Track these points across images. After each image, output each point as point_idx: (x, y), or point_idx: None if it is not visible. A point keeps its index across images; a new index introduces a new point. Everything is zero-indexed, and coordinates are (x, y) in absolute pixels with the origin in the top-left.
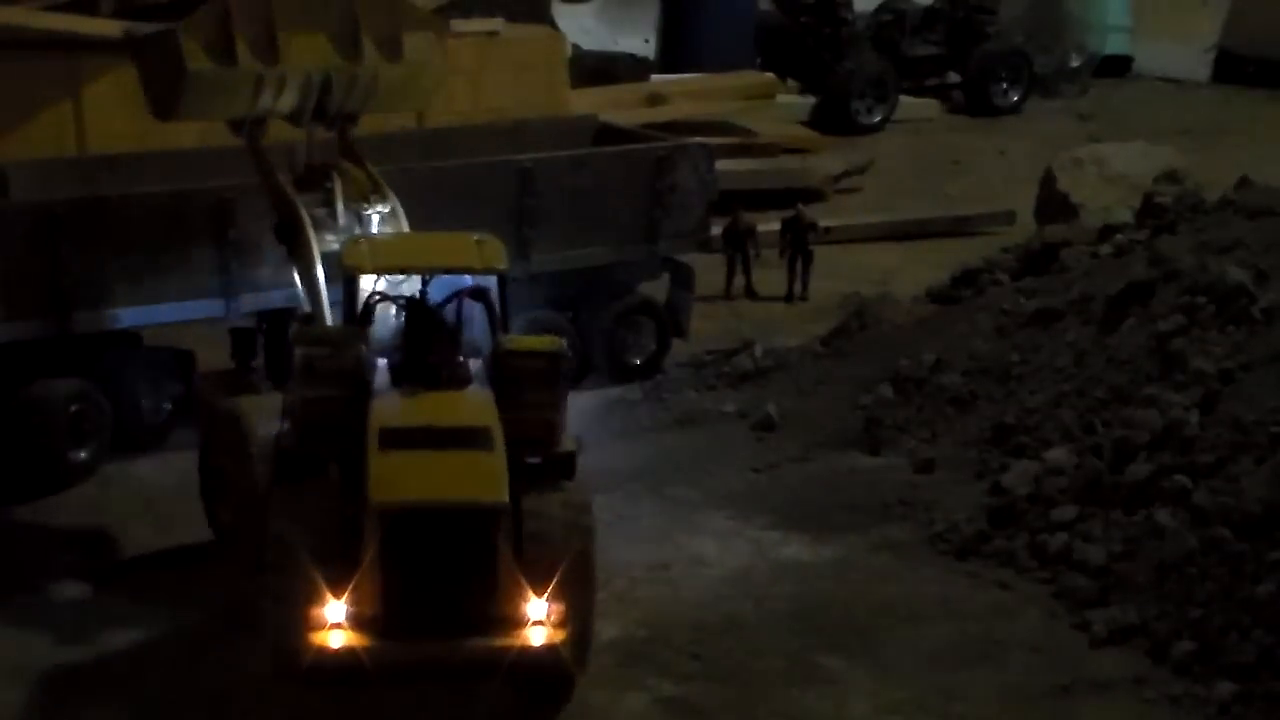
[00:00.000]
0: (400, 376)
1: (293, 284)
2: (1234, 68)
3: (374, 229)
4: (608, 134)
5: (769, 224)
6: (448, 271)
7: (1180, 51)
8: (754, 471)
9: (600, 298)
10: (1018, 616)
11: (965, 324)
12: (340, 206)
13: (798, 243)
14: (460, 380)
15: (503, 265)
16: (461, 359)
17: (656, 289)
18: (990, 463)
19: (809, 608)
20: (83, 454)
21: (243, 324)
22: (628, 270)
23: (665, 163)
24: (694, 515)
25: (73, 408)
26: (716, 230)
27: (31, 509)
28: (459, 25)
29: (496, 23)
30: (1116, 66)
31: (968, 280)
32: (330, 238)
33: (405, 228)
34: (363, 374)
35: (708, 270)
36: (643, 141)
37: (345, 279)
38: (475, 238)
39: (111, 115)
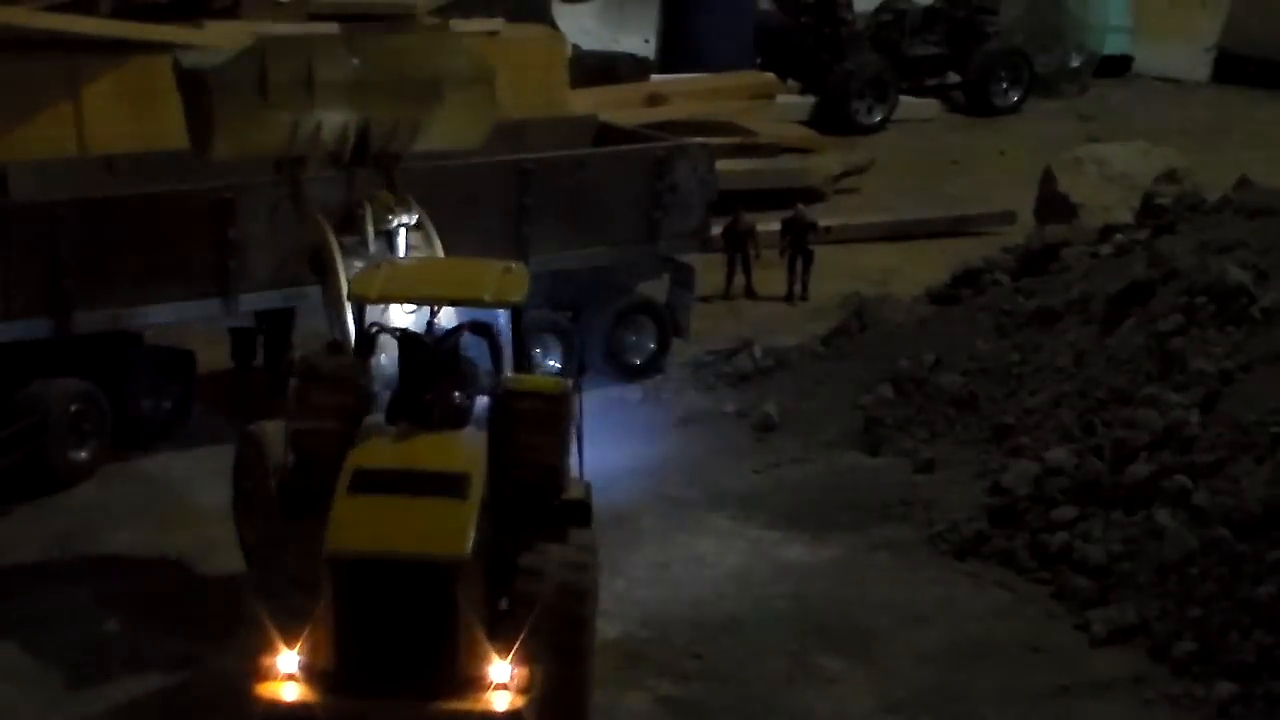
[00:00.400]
0: (394, 413)
1: (293, 283)
2: (1234, 68)
3: (402, 244)
4: (608, 134)
5: (769, 224)
6: (454, 303)
7: (1180, 51)
8: (754, 471)
9: (600, 298)
10: (1018, 616)
11: (965, 324)
12: (371, 232)
13: (798, 243)
14: (455, 420)
15: (517, 298)
16: (462, 396)
17: (656, 289)
18: (990, 463)
19: (809, 608)
20: (83, 454)
21: (243, 324)
22: (628, 270)
23: (665, 163)
24: (694, 515)
25: (73, 408)
26: (716, 230)
27: (32, 509)
28: (459, 25)
29: (496, 23)
30: (1116, 66)
31: (968, 280)
32: (359, 265)
33: (436, 242)
34: (358, 408)
35: (708, 270)
36: (643, 141)
37: (354, 308)
38: (503, 266)
39: (111, 115)
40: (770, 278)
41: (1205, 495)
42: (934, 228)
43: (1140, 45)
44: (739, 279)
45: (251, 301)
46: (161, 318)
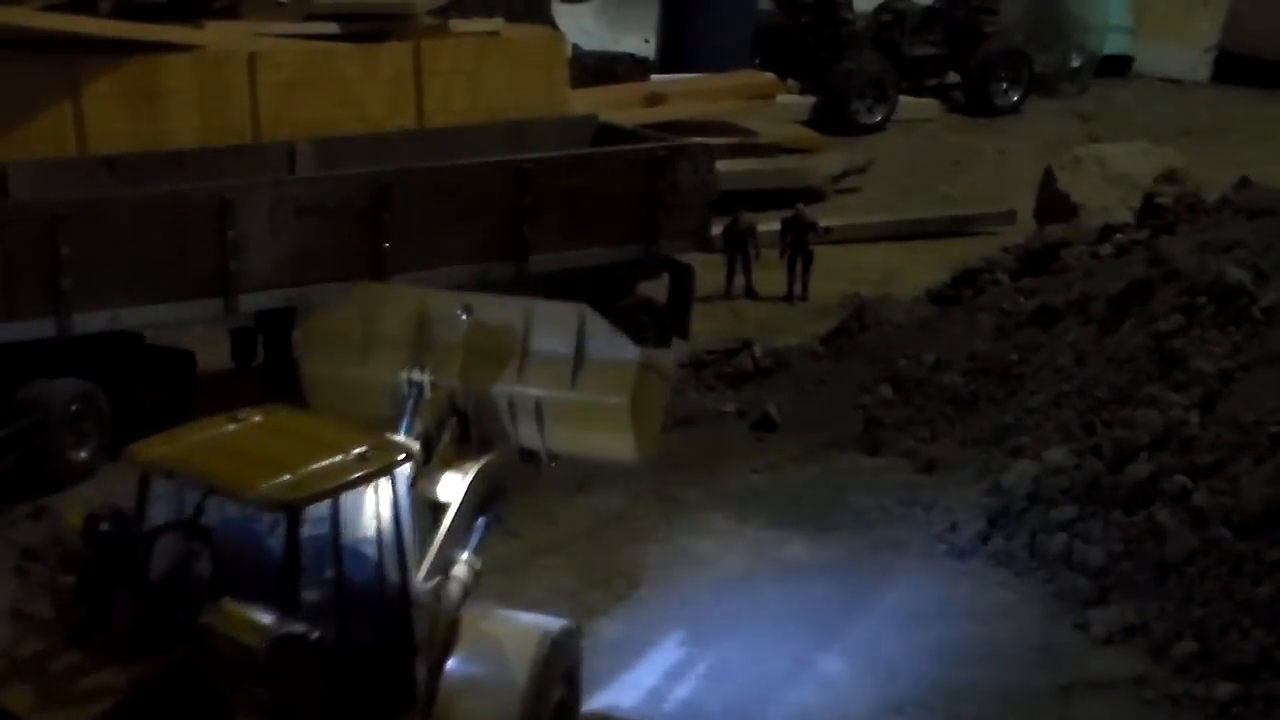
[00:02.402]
0: (90, 623)
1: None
2: (1234, 68)
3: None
4: (608, 134)
5: (769, 224)
6: (213, 490)
7: (1180, 51)
8: (754, 472)
9: (600, 298)
10: (1018, 616)
11: (965, 324)
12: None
13: (798, 243)
14: (147, 648)
15: (296, 496)
16: (159, 618)
17: (656, 289)
18: (990, 463)
19: (809, 608)
20: (83, 454)
21: (243, 324)
22: (628, 270)
23: (665, 163)
24: (694, 515)
25: (73, 408)
26: (716, 230)
27: (31, 509)
28: (459, 25)
29: (496, 23)
30: (1116, 66)
31: (968, 280)
32: None
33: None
34: (70, 608)
35: (708, 270)
36: (643, 141)
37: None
38: (378, 441)
39: (111, 115)
40: (770, 278)
41: (1205, 495)
42: (934, 228)
43: (1140, 45)
44: (739, 279)
45: (251, 301)
46: (161, 318)
